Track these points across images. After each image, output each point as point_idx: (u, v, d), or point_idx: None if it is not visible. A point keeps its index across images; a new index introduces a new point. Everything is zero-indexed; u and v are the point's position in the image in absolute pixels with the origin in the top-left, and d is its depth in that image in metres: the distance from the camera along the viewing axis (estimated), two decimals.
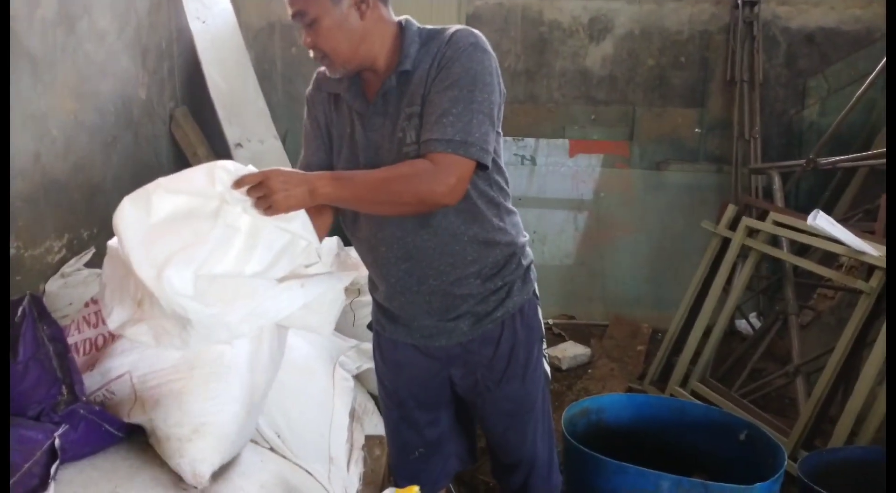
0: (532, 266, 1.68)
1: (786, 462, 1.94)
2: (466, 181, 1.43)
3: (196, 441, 1.40)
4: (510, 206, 1.63)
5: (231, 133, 3.23)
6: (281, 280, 1.42)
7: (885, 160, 3.24)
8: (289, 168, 1.45)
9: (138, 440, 1.47)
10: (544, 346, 1.72)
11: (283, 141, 3.81)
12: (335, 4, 1.44)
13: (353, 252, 1.83)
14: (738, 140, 3.88)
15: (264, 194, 1.34)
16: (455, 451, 1.83)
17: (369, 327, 1.80)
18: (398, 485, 1.83)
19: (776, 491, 1.93)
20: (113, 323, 1.39)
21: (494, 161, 1.52)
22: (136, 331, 1.37)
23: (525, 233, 1.68)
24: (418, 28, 1.53)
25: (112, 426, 1.43)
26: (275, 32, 3.96)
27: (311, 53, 1.50)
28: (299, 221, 1.43)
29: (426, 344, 1.65)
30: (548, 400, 1.76)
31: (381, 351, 1.74)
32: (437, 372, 1.69)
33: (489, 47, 1.48)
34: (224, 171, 1.37)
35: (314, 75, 1.65)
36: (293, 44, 3.95)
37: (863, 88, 3.39)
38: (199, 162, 3.39)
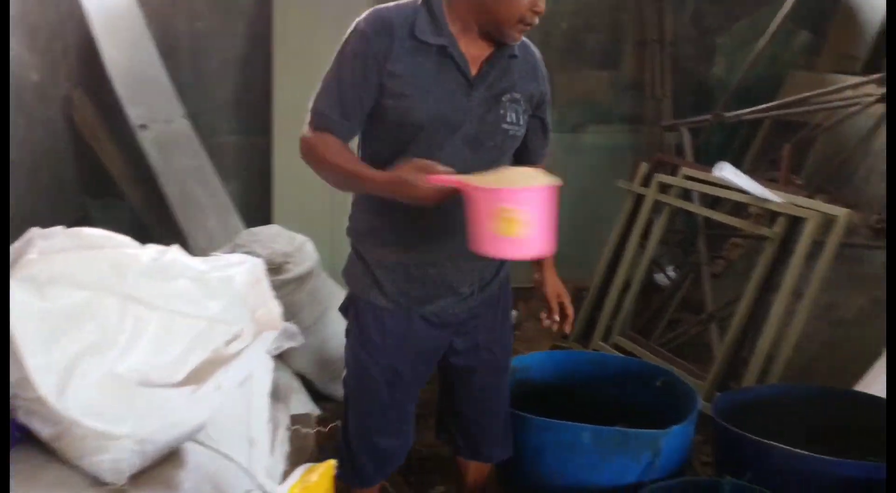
0: None
1: (699, 405, 2.02)
2: None
3: (120, 438, 1.35)
4: None
5: (134, 114, 3.10)
6: (197, 372, 1.37)
7: (786, 111, 3.37)
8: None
9: (40, 441, 1.40)
10: None
11: (193, 120, 3.68)
12: None
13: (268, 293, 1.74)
14: (651, 99, 3.96)
15: None
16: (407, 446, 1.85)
17: (342, 309, 1.76)
18: (351, 477, 1.79)
19: (691, 433, 2.02)
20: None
21: None
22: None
23: None
24: None
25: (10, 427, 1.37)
26: (178, 7, 3.78)
27: (534, 19, 1.52)
28: (224, 301, 1.41)
29: (442, 312, 1.69)
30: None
31: (382, 327, 1.69)
32: (442, 342, 1.74)
33: None
34: (132, 263, 1.33)
35: (377, 17, 1.56)
36: (198, 18, 3.79)
37: (762, 42, 3.50)
38: (100, 146, 3.25)
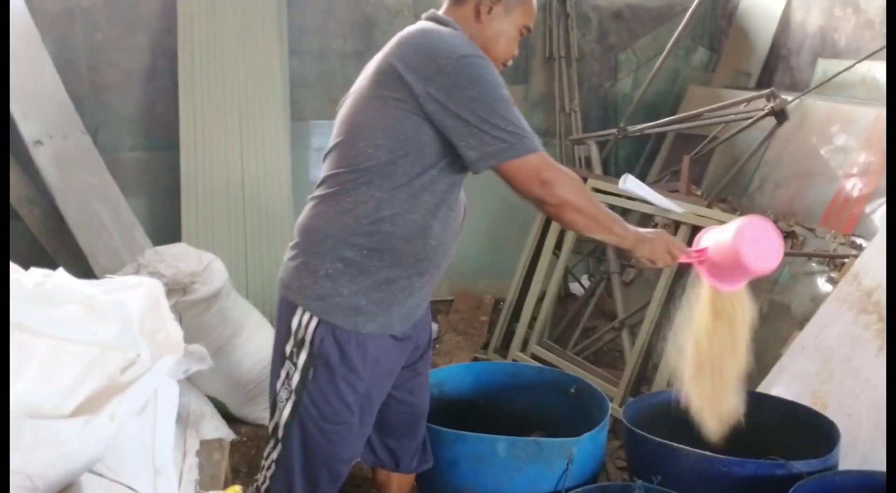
0: None
1: (609, 411, 2.07)
2: None
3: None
4: None
5: (28, 129, 2.93)
6: (90, 401, 1.30)
7: (685, 124, 3.53)
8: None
9: None
10: None
11: (94, 135, 3.52)
12: None
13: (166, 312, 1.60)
14: (560, 114, 4.07)
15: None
16: None
17: (315, 351, 1.61)
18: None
19: (603, 439, 2.07)
20: None
21: None
22: None
23: None
24: None
25: None
26: (75, 18, 3.62)
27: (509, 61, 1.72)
28: (117, 326, 1.34)
29: (413, 325, 1.71)
30: None
31: (365, 353, 1.61)
32: (404, 355, 1.74)
33: None
34: (14, 289, 1.25)
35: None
36: (97, 30, 3.64)
37: (661, 58, 3.66)
38: None
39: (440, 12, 1.67)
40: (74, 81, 3.55)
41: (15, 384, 1.26)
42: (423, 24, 1.64)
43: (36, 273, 1.37)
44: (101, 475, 1.51)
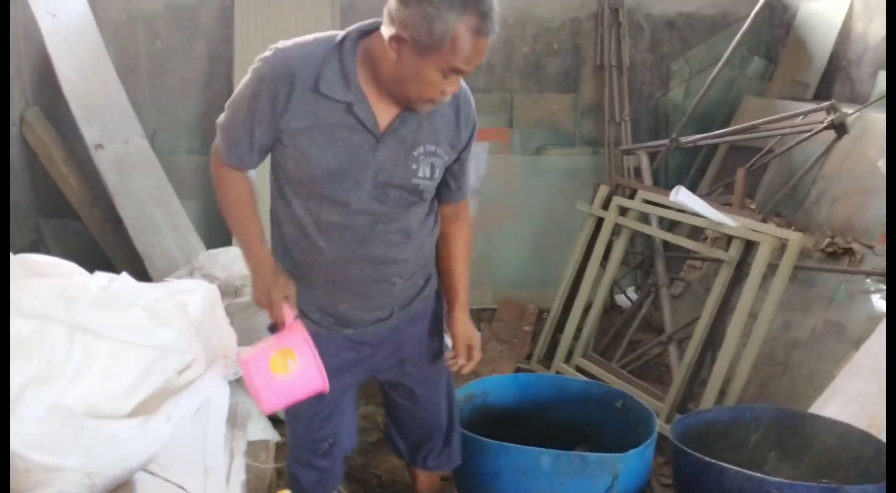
0: None
1: (657, 427, 2.04)
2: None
3: (66, 471, 1.30)
4: None
5: (90, 133, 3.04)
6: (148, 402, 1.35)
7: (740, 136, 3.46)
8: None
9: None
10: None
11: (152, 140, 3.63)
12: None
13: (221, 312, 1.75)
14: (610, 123, 4.03)
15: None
16: (350, 433, 1.91)
17: (271, 328, 1.72)
18: (297, 489, 1.85)
19: (650, 456, 2.04)
20: None
21: None
22: None
23: None
24: None
25: None
26: (137, 26, 3.74)
27: (441, 99, 1.50)
28: (176, 330, 1.39)
29: (361, 333, 1.72)
30: (448, 369, 1.90)
31: (329, 354, 1.66)
32: (364, 358, 1.77)
33: None
34: (80, 292, 1.30)
35: (280, 61, 1.52)
36: (157, 37, 3.76)
37: (717, 68, 3.59)
38: (55, 166, 3.18)
39: (366, 28, 1.55)
40: (135, 87, 3.67)
41: (77, 385, 1.31)
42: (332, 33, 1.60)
43: (101, 277, 1.42)
44: (153, 474, 1.56)
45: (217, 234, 3.56)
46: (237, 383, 2.29)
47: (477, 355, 1.81)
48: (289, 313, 1.54)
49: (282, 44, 1.55)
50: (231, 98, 1.60)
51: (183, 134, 3.83)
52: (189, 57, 3.80)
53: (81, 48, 3.26)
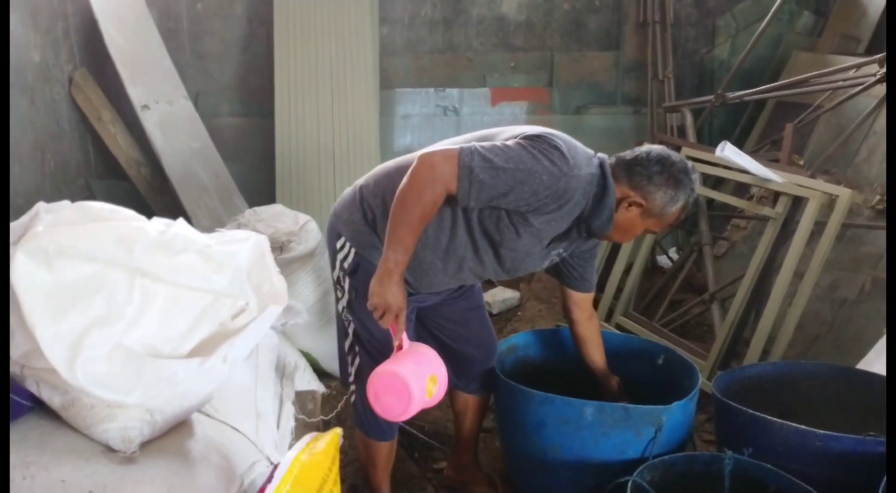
0: None
1: (700, 381, 2.03)
2: None
3: (129, 408, 1.36)
4: None
5: (136, 95, 3.09)
6: (204, 344, 1.39)
7: (788, 92, 3.36)
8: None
9: (49, 409, 1.42)
10: None
11: (195, 101, 3.67)
12: None
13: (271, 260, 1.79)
14: (653, 81, 3.95)
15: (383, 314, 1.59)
16: None
17: (349, 271, 1.82)
18: (376, 431, 1.93)
19: (692, 409, 2.03)
20: (16, 349, 1.33)
21: None
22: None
23: None
24: None
25: (20, 396, 1.38)
26: None
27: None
28: (229, 275, 1.43)
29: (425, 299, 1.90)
30: None
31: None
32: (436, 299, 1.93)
33: None
34: (139, 236, 1.34)
35: (575, 186, 1.67)
36: (198, 0, 3.78)
37: (764, 22, 3.48)
38: (104, 126, 3.25)
39: (612, 164, 1.77)
40: (177, 49, 3.71)
41: (137, 327, 1.36)
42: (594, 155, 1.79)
43: (158, 222, 1.46)
44: (210, 416, 1.62)
45: (259, 194, 3.61)
46: (282, 336, 2.35)
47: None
48: (402, 331, 1.62)
49: (571, 157, 1.66)
50: (511, 154, 1.62)
51: (224, 96, 3.87)
52: (229, 19, 3.82)
53: (126, 11, 3.30)
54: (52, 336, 1.26)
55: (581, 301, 2.04)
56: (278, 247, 2.44)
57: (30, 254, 1.28)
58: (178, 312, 1.38)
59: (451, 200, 1.65)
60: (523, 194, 1.60)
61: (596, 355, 2.12)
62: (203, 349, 1.40)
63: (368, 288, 1.71)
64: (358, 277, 1.80)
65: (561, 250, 1.84)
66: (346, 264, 1.81)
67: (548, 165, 1.60)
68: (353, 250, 1.80)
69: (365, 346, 1.88)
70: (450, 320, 2.02)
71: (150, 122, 3.14)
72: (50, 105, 3.01)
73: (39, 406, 1.41)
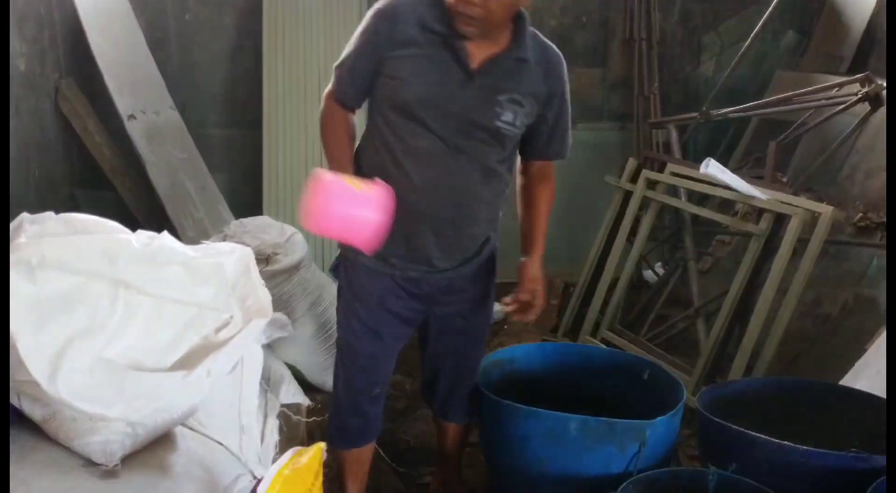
0: None
1: (685, 396, 2.04)
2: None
3: (110, 421, 1.34)
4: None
5: (122, 104, 3.08)
6: (187, 357, 1.38)
7: (772, 109, 3.41)
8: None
9: (29, 422, 1.40)
10: None
11: (182, 112, 3.66)
12: None
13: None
14: (639, 97, 3.99)
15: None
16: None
17: (332, 269, 1.90)
18: (340, 438, 1.91)
19: (676, 424, 2.04)
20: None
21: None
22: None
23: None
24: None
25: None
26: None
27: (466, 9, 1.58)
28: (213, 288, 1.42)
29: (420, 281, 1.82)
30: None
31: (366, 289, 1.83)
32: (421, 310, 1.89)
33: None
34: (123, 248, 1.34)
35: (388, 3, 1.68)
36: (186, 10, 3.77)
37: (748, 41, 3.53)
38: (89, 137, 3.23)
39: None
40: (165, 60, 3.69)
41: (120, 339, 1.35)
42: None
43: (143, 235, 1.46)
44: (194, 430, 1.60)
45: (246, 205, 3.59)
46: (267, 348, 2.33)
47: (540, 302, 1.88)
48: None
49: None
50: (351, 40, 1.73)
51: (211, 107, 3.86)
52: (217, 29, 3.81)
53: (113, 20, 3.29)
54: (33, 348, 1.24)
55: (544, 168, 2.01)
56: (264, 259, 2.43)
57: (13, 266, 1.27)
58: (162, 324, 1.37)
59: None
60: (366, 50, 1.68)
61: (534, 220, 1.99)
62: (187, 363, 1.39)
63: (346, 288, 1.82)
64: (340, 276, 1.87)
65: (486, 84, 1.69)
66: (335, 265, 1.89)
67: (368, 15, 1.68)
68: (339, 251, 1.87)
69: (340, 352, 1.90)
70: (450, 345, 2.00)
71: (137, 132, 3.12)
72: (35, 114, 2.99)
73: (20, 420, 1.39)
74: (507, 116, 1.70)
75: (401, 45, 1.65)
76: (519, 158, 1.94)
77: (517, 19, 1.70)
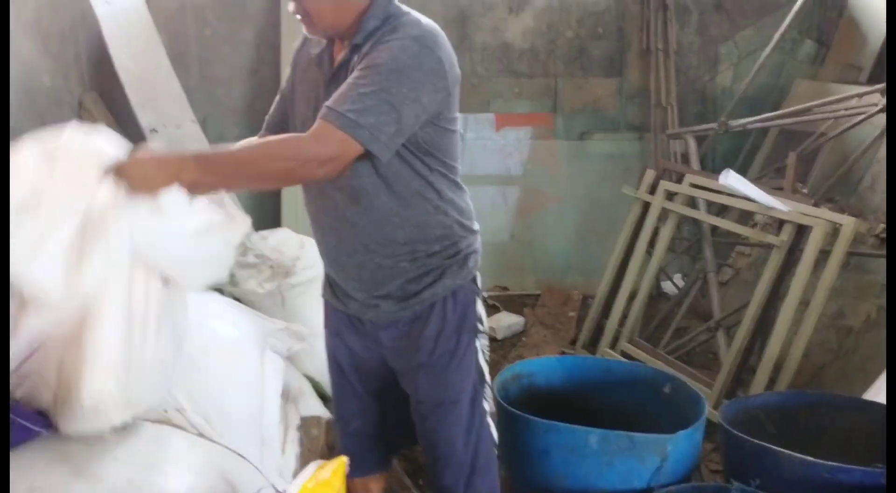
0: (475, 255, 1.65)
1: (706, 411, 2.03)
2: (345, 161, 1.40)
3: (89, 375, 1.32)
4: (454, 193, 1.60)
5: (145, 118, 3.12)
6: None
7: (791, 120, 3.39)
8: (157, 151, 1.43)
9: (56, 435, 1.41)
10: (482, 341, 1.66)
11: (203, 125, 3.70)
12: None
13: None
14: (656, 108, 3.99)
15: (126, 181, 1.31)
16: (393, 435, 1.81)
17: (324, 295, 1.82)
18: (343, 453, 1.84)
19: (699, 439, 2.03)
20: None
21: (435, 156, 1.53)
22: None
23: (474, 222, 1.65)
24: (389, 5, 1.50)
25: (27, 421, 1.38)
26: (187, 13, 3.81)
27: (291, 7, 1.50)
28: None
29: (359, 316, 1.66)
30: (480, 399, 1.65)
31: (326, 317, 1.78)
32: (370, 344, 1.69)
33: (437, 46, 1.45)
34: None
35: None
36: (207, 25, 3.82)
37: (767, 51, 3.52)
38: None
39: None
40: (186, 73, 3.74)
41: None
42: None
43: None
44: (214, 442, 1.61)
45: (265, 218, 3.62)
46: (288, 361, 2.35)
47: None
48: None
49: None
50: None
51: (231, 120, 3.90)
52: (237, 44, 3.86)
53: (136, 35, 3.34)
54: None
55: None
56: (284, 271, 2.45)
57: None
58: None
59: None
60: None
61: None
62: None
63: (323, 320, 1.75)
64: None
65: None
66: None
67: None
68: None
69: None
70: (419, 412, 1.66)
71: (159, 145, 3.16)
72: (60, 128, 3.04)
73: (47, 429, 1.40)
74: None
75: (296, 71, 1.67)
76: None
77: (369, 5, 1.49)
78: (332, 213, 1.57)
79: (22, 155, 1.35)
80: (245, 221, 1.51)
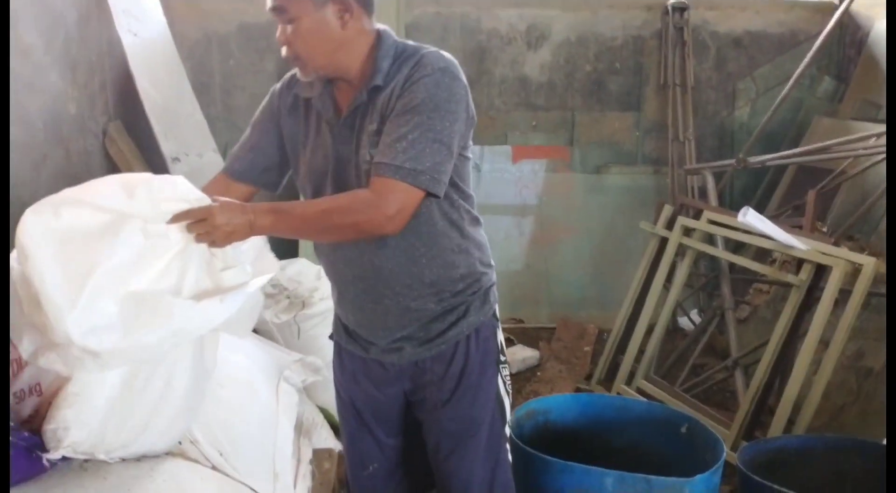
0: (493, 289, 1.66)
1: (724, 454, 1.99)
2: (410, 210, 1.41)
3: (63, 409, 1.33)
4: (474, 229, 1.61)
5: (167, 147, 3.16)
6: (198, 293, 1.38)
7: (811, 157, 3.38)
8: (228, 199, 1.44)
9: (72, 465, 1.42)
10: (504, 372, 1.66)
11: (224, 155, 3.75)
12: (318, 8, 1.43)
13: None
14: (673, 142, 3.99)
15: (207, 230, 1.34)
16: (411, 474, 1.79)
17: (331, 337, 1.78)
18: None
19: (716, 482, 1.99)
20: (25, 352, 1.34)
21: (457, 186, 1.53)
22: (47, 360, 1.32)
23: (490, 256, 1.66)
24: (395, 41, 1.50)
25: (45, 452, 1.38)
26: (211, 44, 3.90)
27: (283, 51, 1.49)
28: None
29: (381, 360, 1.65)
30: (498, 428, 1.65)
31: (340, 361, 1.73)
32: (391, 386, 1.67)
33: (460, 74, 1.46)
34: (145, 186, 1.36)
35: (287, 75, 1.62)
36: (230, 56, 3.90)
37: (787, 87, 3.53)
38: None
39: None
40: (208, 103, 3.81)
41: (143, 275, 1.32)
42: None
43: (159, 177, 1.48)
44: (227, 475, 1.61)
45: (282, 248, 3.64)
46: (301, 393, 2.34)
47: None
48: None
49: None
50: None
51: None
52: (259, 75, 3.93)
53: (161, 66, 3.40)
54: (59, 282, 1.23)
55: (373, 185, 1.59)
56: (300, 302, 2.45)
57: (37, 212, 1.29)
58: (180, 262, 1.34)
59: None
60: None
61: None
62: (201, 297, 1.36)
63: (336, 363, 1.72)
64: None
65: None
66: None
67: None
68: None
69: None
70: (437, 447, 1.66)
71: (181, 173, 3.20)
72: (84, 156, 3.09)
73: (63, 461, 1.40)
74: (371, 153, 1.46)
75: (285, 120, 1.64)
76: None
77: (376, 44, 1.49)
78: (356, 261, 1.55)
79: (102, 184, 1.36)
80: (275, 266, 1.54)
